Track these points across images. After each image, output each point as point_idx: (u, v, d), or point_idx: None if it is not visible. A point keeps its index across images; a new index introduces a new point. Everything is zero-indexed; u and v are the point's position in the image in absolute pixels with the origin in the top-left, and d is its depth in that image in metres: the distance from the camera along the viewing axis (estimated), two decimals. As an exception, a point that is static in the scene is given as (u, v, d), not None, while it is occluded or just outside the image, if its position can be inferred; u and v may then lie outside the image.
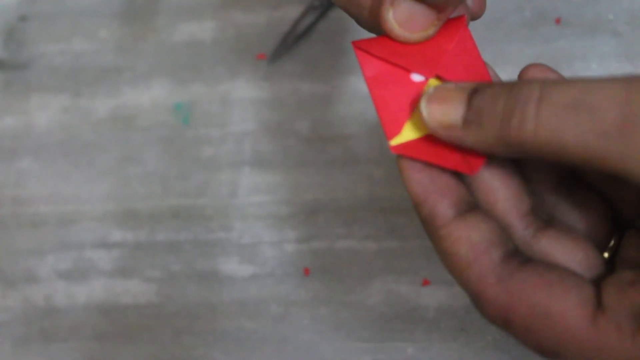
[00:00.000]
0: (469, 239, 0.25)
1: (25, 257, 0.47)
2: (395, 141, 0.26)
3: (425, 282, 0.41)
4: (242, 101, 0.47)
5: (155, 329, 0.44)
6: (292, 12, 0.47)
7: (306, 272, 0.43)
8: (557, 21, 0.43)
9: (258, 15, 0.48)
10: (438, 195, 0.25)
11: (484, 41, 0.44)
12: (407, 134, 0.26)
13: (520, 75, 0.27)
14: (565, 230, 0.27)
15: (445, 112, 0.25)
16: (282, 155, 0.45)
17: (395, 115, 0.26)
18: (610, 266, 0.27)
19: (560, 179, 0.28)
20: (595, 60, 0.42)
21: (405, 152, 0.26)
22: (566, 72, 0.42)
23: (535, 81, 0.23)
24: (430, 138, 0.26)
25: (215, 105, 0.47)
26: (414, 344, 0.41)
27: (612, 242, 0.27)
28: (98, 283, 0.46)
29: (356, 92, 0.45)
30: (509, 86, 0.24)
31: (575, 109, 0.22)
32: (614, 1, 0.42)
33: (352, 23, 0.46)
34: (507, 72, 0.43)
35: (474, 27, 0.44)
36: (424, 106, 0.25)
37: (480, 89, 0.25)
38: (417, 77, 0.27)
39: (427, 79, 0.27)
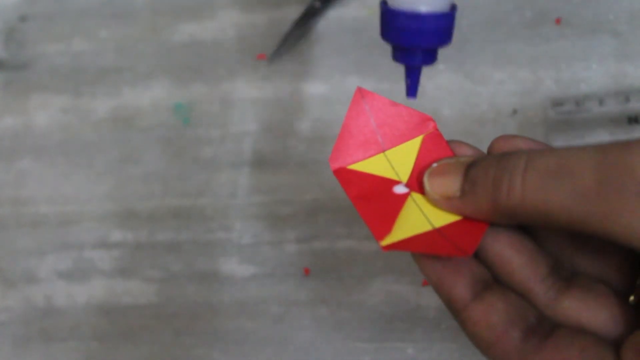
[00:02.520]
0: (488, 321, 0.25)
1: (25, 257, 0.47)
2: (386, 241, 0.26)
3: (426, 282, 0.41)
4: (242, 101, 0.47)
5: (155, 329, 0.44)
6: (292, 12, 0.47)
7: (306, 272, 0.43)
8: (557, 21, 0.43)
9: (258, 15, 0.48)
10: (452, 277, 0.26)
11: (483, 41, 0.44)
12: (396, 235, 0.27)
13: (490, 147, 0.28)
14: (587, 288, 0.27)
15: (444, 184, 0.27)
16: (282, 155, 0.45)
17: (382, 222, 0.27)
18: (636, 311, 0.27)
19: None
20: (595, 60, 0.42)
21: (397, 248, 0.26)
22: (566, 72, 0.42)
23: (522, 151, 0.25)
24: (419, 235, 0.27)
25: (215, 105, 0.47)
26: (414, 344, 0.41)
27: (638, 281, 0.27)
28: (98, 283, 0.46)
29: (356, 92, 0.45)
30: (499, 157, 0.26)
31: (557, 174, 0.23)
32: (614, 1, 0.42)
33: (352, 23, 0.46)
34: (507, 72, 0.43)
35: (474, 26, 0.44)
36: (426, 180, 0.27)
37: (476, 161, 0.26)
38: (399, 190, 0.28)
39: (410, 192, 0.28)
